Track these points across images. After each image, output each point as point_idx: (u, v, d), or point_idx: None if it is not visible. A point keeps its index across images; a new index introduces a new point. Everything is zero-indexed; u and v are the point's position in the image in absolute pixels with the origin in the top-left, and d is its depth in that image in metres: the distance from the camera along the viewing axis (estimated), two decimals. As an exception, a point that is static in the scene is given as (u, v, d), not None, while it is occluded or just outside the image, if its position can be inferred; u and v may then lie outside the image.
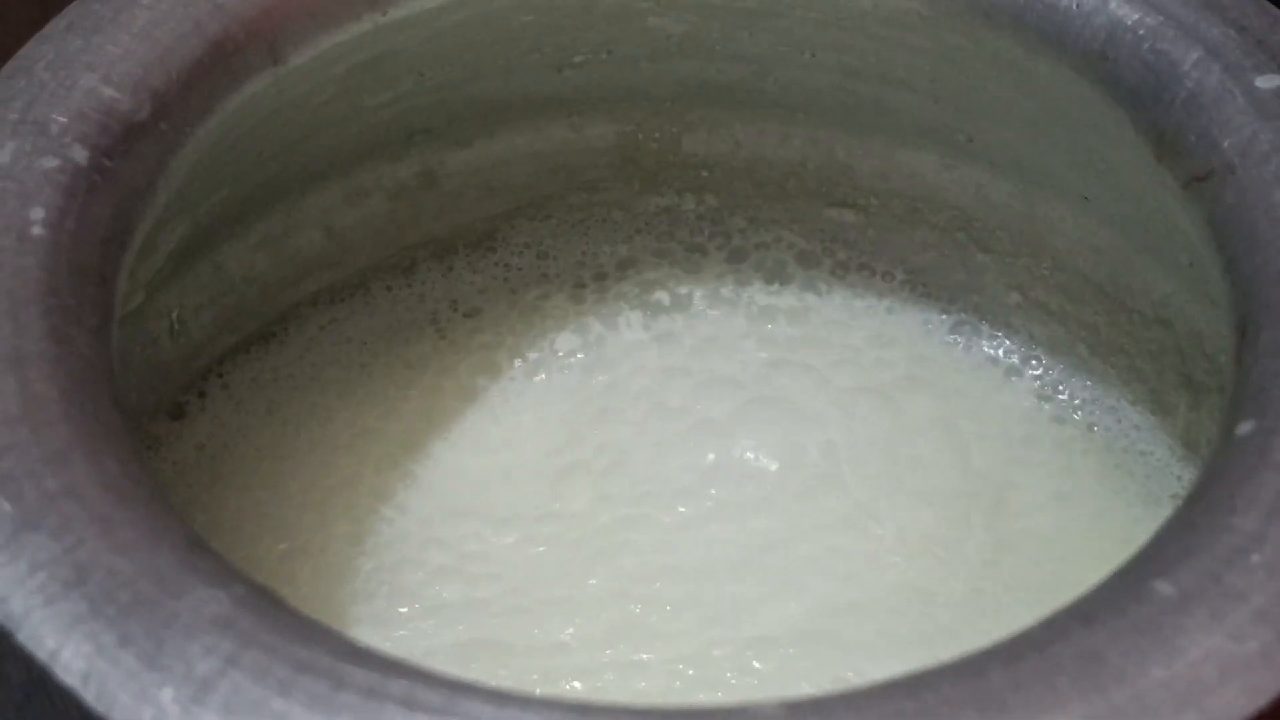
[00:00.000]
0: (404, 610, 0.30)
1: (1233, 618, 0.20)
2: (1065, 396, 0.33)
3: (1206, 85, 0.26)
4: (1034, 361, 0.34)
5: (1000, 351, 0.34)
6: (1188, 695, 0.19)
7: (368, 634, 0.29)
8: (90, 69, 0.26)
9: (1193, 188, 0.26)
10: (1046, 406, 0.33)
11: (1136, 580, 0.20)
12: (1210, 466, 0.22)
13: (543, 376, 0.34)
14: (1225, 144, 0.26)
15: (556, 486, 0.32)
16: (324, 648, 0.20)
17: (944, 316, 0.35)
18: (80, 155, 0.25)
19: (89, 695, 0.19)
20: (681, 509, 0.32)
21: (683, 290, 0.35)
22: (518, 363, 0.34)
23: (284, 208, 0.33)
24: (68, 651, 0.20)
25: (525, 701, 0.20)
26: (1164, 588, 0.20)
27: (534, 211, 0.35)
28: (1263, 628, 0.20)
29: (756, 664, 0.29)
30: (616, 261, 0.36)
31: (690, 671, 0.28)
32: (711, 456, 0.32)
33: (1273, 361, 0.22)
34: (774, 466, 0.32)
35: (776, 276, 0.35)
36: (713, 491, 0.32)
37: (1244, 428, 0.22)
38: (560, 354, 0.34)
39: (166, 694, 0.19)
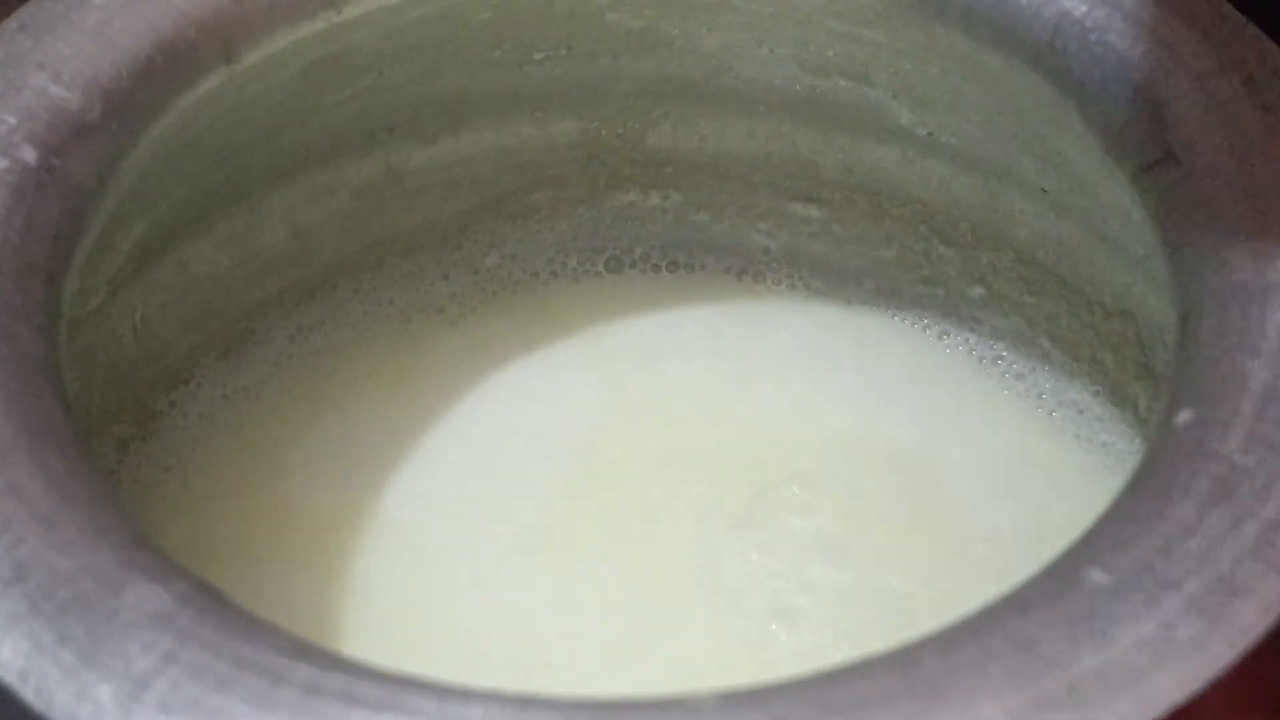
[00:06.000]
0: (378, 635, 0.30)
1: (1165, 606, 0.20)
2: (1027, 389, 0.33)
3: (1153, 76, 0.26)
4: (997, 354, 0.34)
5: (963, 344, 0.34)
6: (1119, 682, 0.19)
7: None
8: (40, 68, 0.26)
9: (1140, 178, 0.26)
10: (1009, 398, 0.33)
11: (1071, 569, 0.20)
12: (1149, 456, 0.22)
13: (519, 379, 0.34)
14: (1170, 134, 0.26)
15: (536, 495, 0.32)
16: (264, 644, 0.20)
17: (907, 310, 0.35)
18: (29, 155, 0.25)
19: (28, 692, 0.19)
20: (677, 506, 0.32)
21: (650, 285, 0.35)
22: (490, 365, 0.34)
23: (247, 205, 0.33)
24: (6, 649, 0.20)
25: (465, 694, 0.20)
26: (1098, 576, 0.20)
27: (499, 208, 0.35)
28: (1195, 616, 0.20)
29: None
30: (583, 257, 0.36)
31: None
32: (687, 453, 0.32)
33: (1212, 351, 0.23)
34: (735, 458, 0.32)
35: (742, 271, 0.35)
36: (681, 486, 0.32)
37: (1182, 417, 0.22)
38: (534, 354, 0.34)
39: (104, 691, 0.19)
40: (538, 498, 0.32)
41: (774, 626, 0.29)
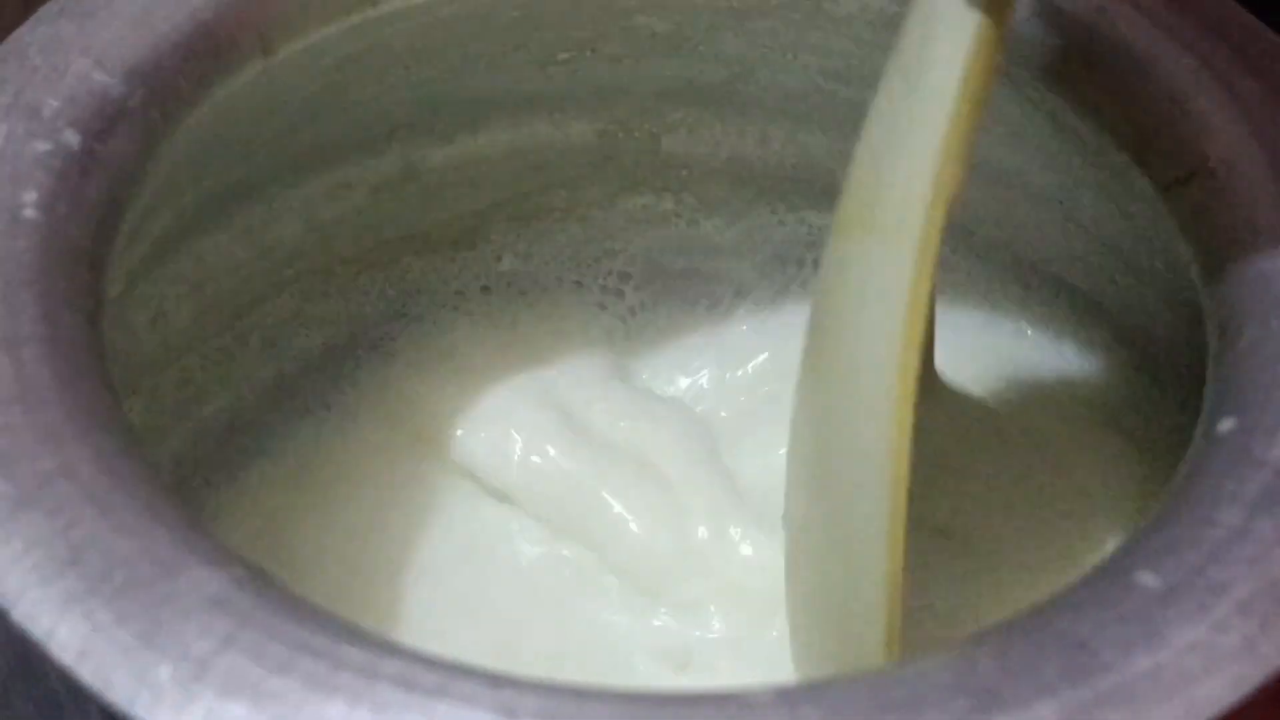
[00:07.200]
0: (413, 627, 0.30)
1: (1216, 609, 0.20)
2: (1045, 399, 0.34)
3: (1187, 88, 0.27)
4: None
5: (977, 354, 0.34)
6: (1172, 685, 0.19)
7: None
8: (83, 53, 0.26)
9: (1173, 191, 0.26)
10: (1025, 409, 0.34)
11: (1122, 572, 0.21)
12: (1192, 462, 0.22)
13: (530, 380, 0.34)
14: (1205, 147, 0.26)
15: (552, 493, 0.32)
16: (321, 629, 0.20)
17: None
18: (72, 139, 0.25)
19: (85, 673, 0.19)
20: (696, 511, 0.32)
21: (661, 290, 0.35)
22: (503, 365, 0.34)
23: (266, 199, 0.33)
24: (64, 629, 0.20)
25: (519, 684, 0.20)
26: (1149, 580, 0.20)
27: (514, 208, 0.36)
28: (1245, 619, 0.20)
29: None
30: (596, 260, 0.36)
31: None
32: (704, 455, 0.33)
33: (1252, 361, 0.23)
34: (748, 463, 0.33)
35: (755, 276, 0.36)
36: (696, 491, 0.32)
37: (1225, 425, 0.22)
38: (545, 355, 0.34)
39: (164, 672, 0.19)
40: (553, 496, 0.32)
41: None
